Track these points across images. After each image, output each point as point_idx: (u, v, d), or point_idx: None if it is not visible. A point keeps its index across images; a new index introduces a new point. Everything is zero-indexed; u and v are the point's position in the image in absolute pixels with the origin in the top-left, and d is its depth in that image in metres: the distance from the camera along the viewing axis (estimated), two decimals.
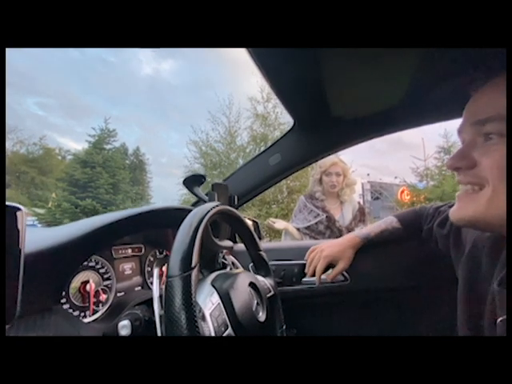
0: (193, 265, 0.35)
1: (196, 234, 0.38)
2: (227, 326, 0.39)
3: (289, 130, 0.78)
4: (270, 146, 0.81)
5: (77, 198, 9.42)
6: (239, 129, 9.53)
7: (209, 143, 9.48)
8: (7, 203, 0.31)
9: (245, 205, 1.00)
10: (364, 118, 0.68)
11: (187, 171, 9.87)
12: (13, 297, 0.31)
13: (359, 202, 1.69)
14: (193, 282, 0.34)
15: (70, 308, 0.46)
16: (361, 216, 1.63)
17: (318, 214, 1.61)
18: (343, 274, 0.78)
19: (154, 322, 0.36)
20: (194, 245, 0.36)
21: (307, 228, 1.60)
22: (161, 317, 0.36)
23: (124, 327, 0.39)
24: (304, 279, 0.83)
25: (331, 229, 1.58)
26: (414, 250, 0.75)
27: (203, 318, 0.36)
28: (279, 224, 1.66)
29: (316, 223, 1.60)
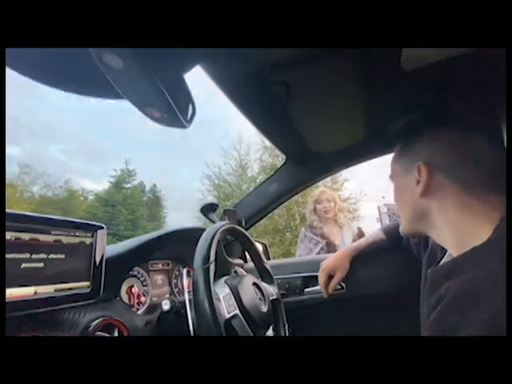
0: (210, 260, 0.51)
1: (212, 241, 0.55)
2: (235, 307, 0.53)
3: (283, 164, 0.97)
4: (269, 177, 1.00)
5: None
6: (249, 161, 10.06)
7: (221, 176, 9.98)
8: (95, 223, 0.50)
9: (256, 230, 1.16)
10: (339, 151, 0.85)
11: (201, 204, 10.22)
12: (99, 284, 0.48)
13: (358, 227, 1.80)
14: (211, 272, 0.50)
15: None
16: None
17: (318, 242, 1.71)
18: (340, 284, 0.90)
19: (185, 305, 0.52)
20: (210, 247, 0.53)
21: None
22: (190, 300, 0.52)
23: (165, 304, 0.56)
24: (306, 290, 0.95)
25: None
26: (399, 258, 0.86)
27: (218, 299, 0.51)
28: None
29: (318, 251, 1.68)
